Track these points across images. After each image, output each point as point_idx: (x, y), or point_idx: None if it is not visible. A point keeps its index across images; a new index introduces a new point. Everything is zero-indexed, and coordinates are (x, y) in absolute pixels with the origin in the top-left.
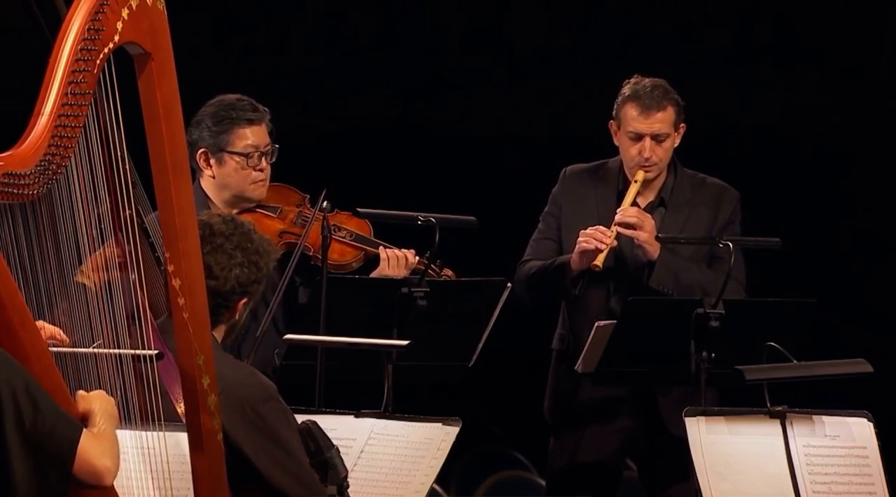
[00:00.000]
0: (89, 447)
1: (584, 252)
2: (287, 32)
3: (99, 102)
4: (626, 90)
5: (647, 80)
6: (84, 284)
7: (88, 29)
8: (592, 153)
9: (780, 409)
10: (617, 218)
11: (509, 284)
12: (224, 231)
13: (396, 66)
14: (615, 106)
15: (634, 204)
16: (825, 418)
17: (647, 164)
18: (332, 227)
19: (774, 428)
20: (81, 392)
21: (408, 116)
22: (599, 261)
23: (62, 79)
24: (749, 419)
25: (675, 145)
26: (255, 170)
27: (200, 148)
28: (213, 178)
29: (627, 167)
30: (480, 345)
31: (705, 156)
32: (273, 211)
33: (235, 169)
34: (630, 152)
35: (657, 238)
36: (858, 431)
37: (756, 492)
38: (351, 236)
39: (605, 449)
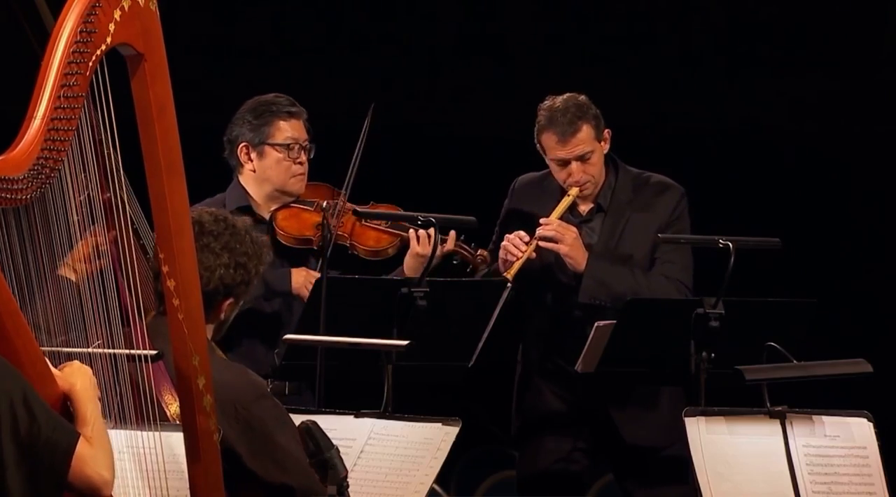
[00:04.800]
0: (86, 457)
1: (504, 260)
2: (287, 33)
3: (91, 104)
4: (541, 117)
5: (558, 100)
6: (67, 278)
7: (80, 31)
8: None
9: (780, 409)
10: (538, 231)
11: (509, 284)
12: (213, 230)
13: (396, 67)
14: (535, 132)
15: (575, 213)
16: (825, 418)
17: (578, 185)
18: (367, 215)
19: (774, 428)
20: (56, 372)
21: (408, 117)
22: (510, 273)
23: (55, 82)
24: (749, 419)
25: (606, 151)
26: (294, 163)
27: (241, 142)
28: (254, 172)
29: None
30: (480, 345)
31: (705, 156)
32: (310, 205)
33: (277, 161)
34: (560, 176)
35: (658, 237)
36: (858, 431)
37: (756, 492)
38: (386, 223)
39: (563, 461)
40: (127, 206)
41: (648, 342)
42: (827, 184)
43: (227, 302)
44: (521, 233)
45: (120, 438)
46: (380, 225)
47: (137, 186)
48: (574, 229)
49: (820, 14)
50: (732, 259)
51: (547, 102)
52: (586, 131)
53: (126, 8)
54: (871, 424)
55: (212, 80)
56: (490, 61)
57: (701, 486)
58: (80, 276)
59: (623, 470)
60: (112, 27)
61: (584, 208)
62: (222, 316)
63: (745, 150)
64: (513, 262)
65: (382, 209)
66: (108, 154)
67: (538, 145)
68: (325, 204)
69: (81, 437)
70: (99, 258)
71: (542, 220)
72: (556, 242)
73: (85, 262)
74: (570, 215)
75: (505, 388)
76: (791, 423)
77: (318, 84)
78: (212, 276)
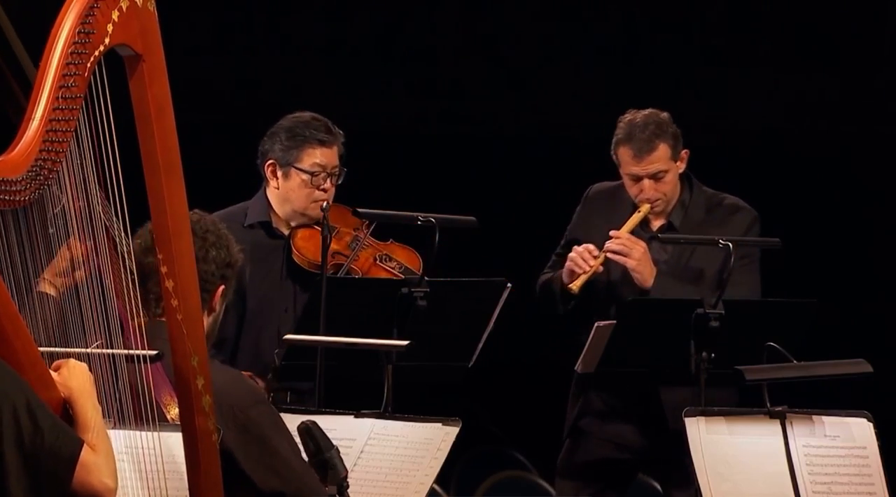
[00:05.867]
0: (89, 465)
1: (571, 271)
2: (287, 34)
3: (90, 105)
4: (620, 130)
5: (639, 117)
6: (48, 294)
7: (78, 32)
8: (591, 153)
9: (780, 409)
10: (606, 244)
11: (509, 285)
12: (192, 218)
13: (396, 67)
14: (612, 143)
15: (646, 228)
16: (825, 418)
17: (649, 201)
18: (384, 257)
19: (774, 428)
20: (54, 375)
21: (408, 117)
22: (576, 285)
23: (53, 83)
24: (749, 419)
25: (682, 171)
26: (317, 189)
27: (270, 159)
28: (278, 189)
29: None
30: (480, 345)
31: (705, 156)
32: (330, 231)
33: (299, 185)
34: (632, 190)
35: (657, 237)
36: (858, 431)
37: (756, 492)
38: (400, 268)
39: (614, 458)
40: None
41: (648, 342)
42: (827, 184)
43: (220, 288)
44: (591, 246)
45: (119, 439)
46: (394, 269)
47: (136, 188)
48: (643, 244)
49: (820, 14)
50: (732, 259)
51: (628, 116)
52: (663, 150)
53: (124, 8)
54: (871, 424)
55: (210, 80)
56: (490, 61)
57: (701, 486)
58: (61, 291)
59: (667, 472)
60: (110, 28)
61: (656, 224)
62: (216, 306)
63: (745, 150)
64: (579, 275)
65: (401, 255)
66: (107, 155)
67: (613, 156)
68: (324, 204)
69: (85, 445)
70: (79, 269)
71: (612, 233)
72: (625, 256)
73: (64, 276)
74: (641, 230)
75: (505, 389)
76: (791, 423)
77: (318, 83)
78: (206, 256)
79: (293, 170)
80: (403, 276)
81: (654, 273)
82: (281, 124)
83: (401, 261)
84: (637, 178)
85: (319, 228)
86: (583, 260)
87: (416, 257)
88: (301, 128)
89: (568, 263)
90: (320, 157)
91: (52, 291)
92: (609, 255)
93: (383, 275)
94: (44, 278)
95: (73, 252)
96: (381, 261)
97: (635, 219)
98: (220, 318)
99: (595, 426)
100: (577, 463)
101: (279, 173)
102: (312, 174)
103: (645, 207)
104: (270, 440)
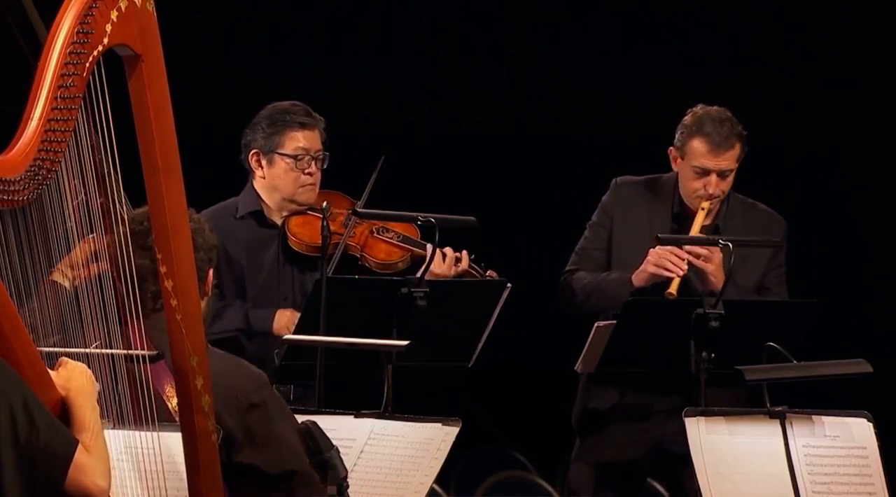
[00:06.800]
0: (83, 466)
1: (653, 276)
2: (287, 34)
3: (88, 104)
4: (692, 121)
5: (713, 110)
6: (60, 284)
7: (77, 32)
8: (592, 152)
9: (780, 409)
10: (688, 248)
11: (509, 285)
12: None
13: (396, 67)
14: (679, 134)
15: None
16: (825, 418)
17: (710, 198)
18: (381, 229)
19: (774, 428)
20: (53, 374)
21: (407, 117)
22: (674, 288)
23: (51, 83)
24: (749, 419)
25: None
26: (303, 173)
27: (253, 149)
28: (264, 178)
29: (687, 197)
30: (480, 345)
31: None
32: (325, 214)
33: (285, 171)
34: (693, 185)
35: (657, 238)
36: (858, 431)
37: (756, 492)
38: (398, 237)
39: (629, 456)
40: (122, 206)
41: (648, 342)
42: (827, 184)
43: (210, 269)
44: (676, 249)
45: (119, 439)
46: (392, 239)
47: (135, 187)
48: (718, 249)
49: (820, 14)
50: (732, 259)
51: (699, 110)
52: (737, 149)
53: (123, 9)
54: (870, 424)
55: (210, 80)
56: (490, 61)
57: (701, 486)
58: (73, 283)
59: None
60: (109, 28)
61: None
62: (209, 289)
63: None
64: (672, 279)
65: (397, 226)
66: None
67: (677, 148)
68: (324, 204)
69: (79, 445)
70: (95, 263)
71: (692, 236)
72: (706, 261)
73: (78, 269)
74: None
75: (505, 389)
76: (791, 423)
77: (318, 83)
78: (193, 241)
79: (276, 156)
80: (404, 245)
81: (724, 278)
82: (261, 114)
83: (398, 230)
84: (705, 173)
85: (312, 214)
86: (673, 264)
87: (413, 227)
88: (281, 114)
89: (653, 268)
90: (302, 140)
91: (65, 282)
92: (692, 258)
93: (383, 246)
94: (58, 268)
95: (93, 247)
96: (378, 233)
97: (701, 217)
98: (212, 300)
99: (614, 417)
100: (594, 455)
101: (263, 162)
102: (296, 158)
103: (706, 204)
104: (274, 423)
